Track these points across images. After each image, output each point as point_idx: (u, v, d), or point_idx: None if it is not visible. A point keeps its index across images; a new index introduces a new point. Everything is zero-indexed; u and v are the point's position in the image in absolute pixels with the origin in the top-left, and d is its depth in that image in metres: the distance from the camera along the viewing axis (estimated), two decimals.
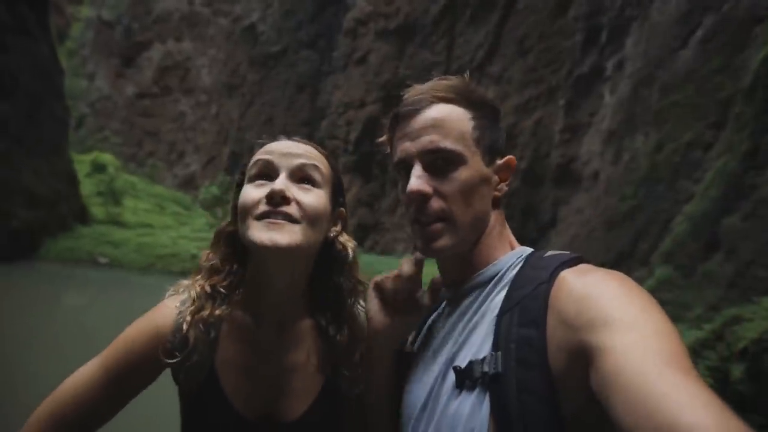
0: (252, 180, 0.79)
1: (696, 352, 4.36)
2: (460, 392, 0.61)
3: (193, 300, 0.81)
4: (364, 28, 24.46)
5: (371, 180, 23.39)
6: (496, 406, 0.56)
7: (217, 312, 0.80)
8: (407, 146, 0.70)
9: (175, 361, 0.78)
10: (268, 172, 0.78)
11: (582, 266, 0.62)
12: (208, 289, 0.81)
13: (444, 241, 0.68)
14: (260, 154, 0.80)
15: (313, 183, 0.80)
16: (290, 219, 0.74)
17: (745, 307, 3.92)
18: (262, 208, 0.74)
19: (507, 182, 0.73)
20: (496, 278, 0.68)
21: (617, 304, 0.52)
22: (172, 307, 0.82)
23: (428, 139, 0.68)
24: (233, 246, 0.84)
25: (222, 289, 0.82)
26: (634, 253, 13.45)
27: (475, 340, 0.64)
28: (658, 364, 0.44)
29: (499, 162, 0.73)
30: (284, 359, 0.84)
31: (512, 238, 0.74)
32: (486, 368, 0.58)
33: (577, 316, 0.53)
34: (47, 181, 13.97)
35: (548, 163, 18.61)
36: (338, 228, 0.88)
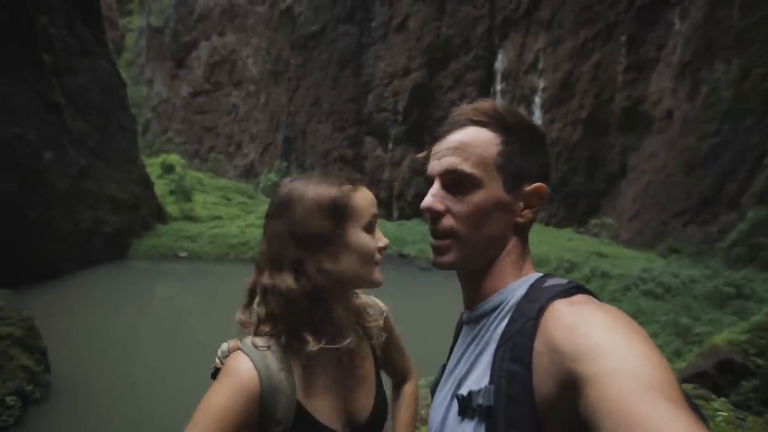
0: (368, 230, 0.88)
1: None
2: (463, 419, 0.65)
3: (279, 344, 0.84)
4: None
5: (424, 148, 22.96)
6: None
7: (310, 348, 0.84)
8: (433, 165, 0.76)
9: (280, 407, 0.80)
10: (374, 223, 0.90)
11: (577, 297, 0.63)
12: (303, 329, 0.85)
13: (448, 257, 0.73)
14: (372, 207, 0.90)
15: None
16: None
17: None
18: (378, 256, 0.89)
19: (534, 209, 0.74)
20: (500, 307, 0.70)
21: (603, 334, 0.53)
22: (247, 363, 0.81)
23: (449, 161, 0.73)
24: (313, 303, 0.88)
25: (307, 326, 0.86)
26: (720, 196, 12.21)
27: (479, 368, 0.68)
28: (640, 390, 0.45)
29: (527, 189, 0.73)
30: (347, 365, 0.93)
31: (528, 265, 0.75)
32: (481, 400, 0.62)
33: (565, 345, 0.55)
34: (127, 187, 15.22)
35: (612, 108, 17.20)
36: None
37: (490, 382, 0.62)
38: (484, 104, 0.74)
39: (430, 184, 0.76)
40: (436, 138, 0.77)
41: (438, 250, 0.74)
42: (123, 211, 14.70)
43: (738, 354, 3.82)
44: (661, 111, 15.48)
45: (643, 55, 16.23)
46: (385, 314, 1.05)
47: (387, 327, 1.06)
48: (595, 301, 0.62)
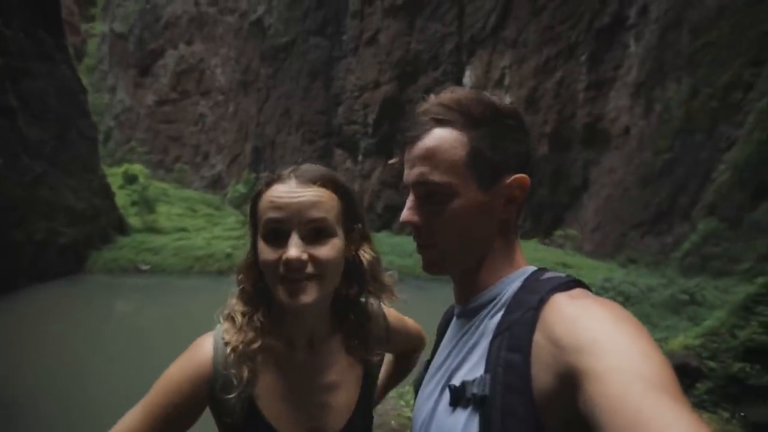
0: (266, 237, 0.80)
1: (748, 309, 4.16)
2: (455, 410, 0.63)
3: (239, 332, 0.83)
4: (370, 8, 23.96)
5: (395, 159, 23.19)
6: (483, 428, 0.59)
7: (261, 342, 0.83)
8: (406, 174, 0.73)
9: (228, 397, 0.79)
10: (281, 230, 0.79)
11: (576, 291, 0.63)
12: (254, 320, 0.84)
13: (434, 267, 0.73)
14: (270, 210, 0.79)
15: (325, 234, 0.80)
16: (309, 277, 0.78)
17: None
18: (282, 271, 0.77)
19: (518, 201, 0.71)
20: (495, 300, 0.69)
21: (605, 329, 0.53)
22: (209, 344, 0.84)
23: (418, 171, 0.70)
24: (259, 272, 0.86)
25: (262, 318, 0.85)
26: (674, 208, 12.88)
27: (472, 360, 0.66)
28: (643, 388, 0.45)
29: (507, 182, 0.69)
30: (320, 378, 0.88)
31: (519, 257, 0.74)
32: (476, 390, 0.60)
33: (565, 338, 0.54)
34: (85, 197, 14.57)
35: (574, 124, 17.92)
36: (354, 246, 0.89)
37: (486, 371, 0.61)
38: (447, 97, 0.71)
39: (408, 191, 0.74)
40: (407, 143, 0.74)
41: (422, 260, 0.73)
42: (80, 222, 14.03)
43: (693, 358, 4.01)
44: (619, 127, 16.27)
45: (602, 74, 17.06)
46: (387, 332, 1.00)
47: (392, 336, 1.00)
48: (593, 295, 0.62)
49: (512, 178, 0.69)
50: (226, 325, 0.85)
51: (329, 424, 0.87)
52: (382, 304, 1.00)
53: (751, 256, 9.68)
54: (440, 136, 0.69)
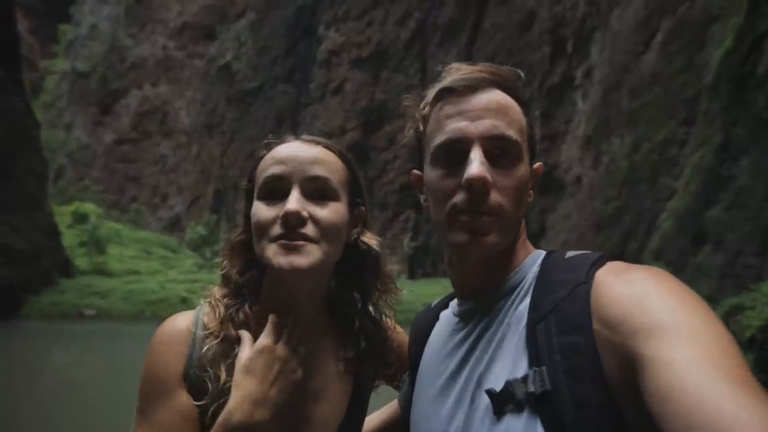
0: (264, 196, 0.71)
1: None
2: (501, 417, 0.53)
3: (221, 325, 0.72)
4: (337, 59, 25.00)
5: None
6: (550, 429, 0.49)
7: (238, 331, 0.73)
8: (464, 126, 0.60)
9: (199, 404, 0.68)
10: (281, 187, 0.70)
11: (615, 264, 0.55)
12: (239, 314, 0.74)
13: (493, 238, 0.60)
14: (271, 166, 0.71)
15: (329, 196, 0.72)
16: (308, 239, 0.68)
17: (744, 295, 3.93)
18: (278, 230, 0.68)
19: (534, 189, 0.68)
20: (519, 286, 0.62)
21: (668, 308, 0.46)
22: (186, 324, 0.73)
23: (492, 123, 0.60)
24: (249, 256, 0.76)
25: (248, 310, 0.75)
26: (625, 253, 13.56)
27: (505, 356, 0.57)
28: (723, 383, 0.38)
29: (534, 166, 0.67)
30: (303, 384, 0.75)
31: (529, 243, 0.69)
32: (531, 387, 0.51)
33: (624, 322, 0.47)
34: (27, 235, 13.67)
35: None
36: (358, 229, 0.79)
37: (536, 363, 0.52)
38: (503, 69, 0.65)
39: (450, 152, 0.61)
40: (451, 93, 0.63)
41: (479, 230, 0.59)
42: (19, 263, 13.07)
43: None
44: (572, 177, 17.28)
45: (555, 127, 18.32)
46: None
47: (396, 356, 0.87)
48: (635, 265, 0.54)
49: (538, 164, 0.68)
50: (206, 309, 0.75)
51: (306, 429, 0.75)
52: (387, 318, 0.86)
53: None
54: (506, 98, 0.62)
